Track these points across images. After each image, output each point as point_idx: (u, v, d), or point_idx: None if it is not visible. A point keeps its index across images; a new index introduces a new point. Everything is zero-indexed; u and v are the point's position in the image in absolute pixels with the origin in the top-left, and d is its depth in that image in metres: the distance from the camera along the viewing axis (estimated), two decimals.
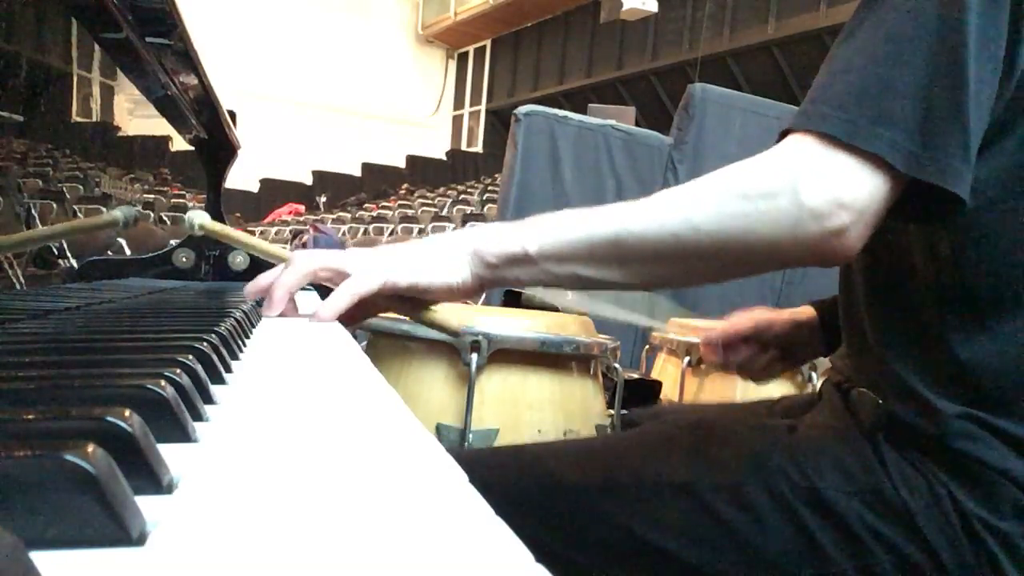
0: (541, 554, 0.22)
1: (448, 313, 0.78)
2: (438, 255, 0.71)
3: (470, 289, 0.72)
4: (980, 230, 0.67)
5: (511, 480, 0.78)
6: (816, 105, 0.64)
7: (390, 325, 1.38)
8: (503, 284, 0.75)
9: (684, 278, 0.74)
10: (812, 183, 0.61)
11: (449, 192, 13.14)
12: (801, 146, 0.63)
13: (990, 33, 0.61)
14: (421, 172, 15.97)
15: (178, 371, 0.37)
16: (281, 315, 0.76)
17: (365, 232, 9.20)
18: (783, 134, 0.66)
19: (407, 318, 0.81)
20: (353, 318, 0.75)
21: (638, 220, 0.66)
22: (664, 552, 0.71)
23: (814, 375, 1.72)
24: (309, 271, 0.74)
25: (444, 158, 16.58)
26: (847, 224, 0.61)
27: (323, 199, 14.04)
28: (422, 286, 0.71)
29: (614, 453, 0.83)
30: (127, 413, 0.26)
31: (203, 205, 1.53)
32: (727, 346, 1.06)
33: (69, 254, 1.20)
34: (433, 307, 0.78)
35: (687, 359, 1.89)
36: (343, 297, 0.70)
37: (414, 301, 0.75)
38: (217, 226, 1.03)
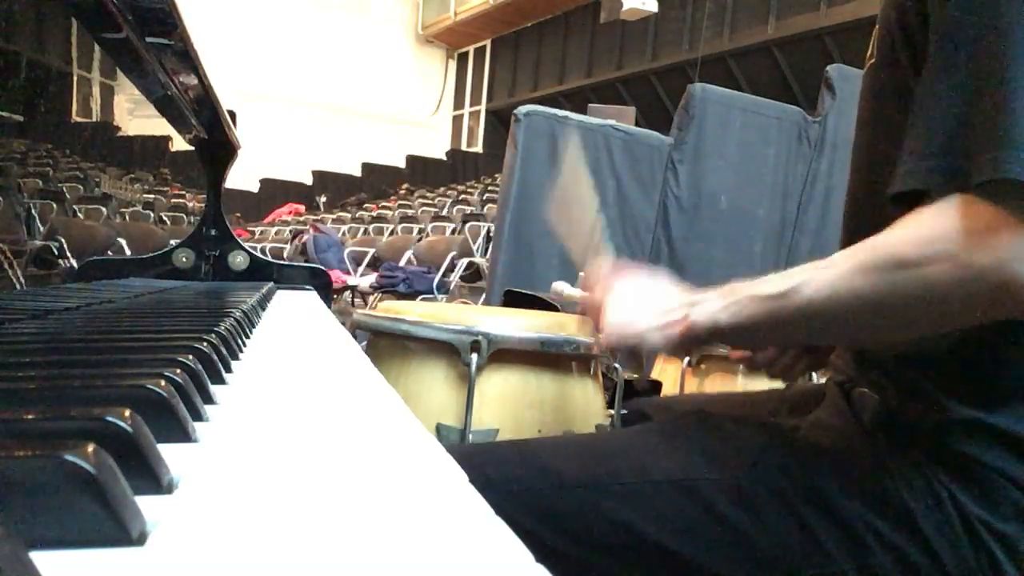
0: (541, 549, 0.22)
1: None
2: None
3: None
4: None
5: (512, 474, 0.78)
6: (940, 159, 0.62)
7: (390, 325, 1.38)
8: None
9: (875, 340, 0.77)
10: (972, 242, 0.59)
11: (449, 192, 13.11)
12: (953, 206, 0.60)
13: None
14: (421, 172, 15.94)
15: (178, 371, 0.37)
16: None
17: (365, 232, 9.19)
18: (899, 195, 0.64)
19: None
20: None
21: (818, 299, 0.66)
22: (664, 549, 0.71)
23: (814, 374, 1.72)
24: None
25: (444, 158, 16.56)
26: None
27: (323, 199, 14.03)
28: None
29: (616, 448, 0.83)
30: (127, 413, 0.26)
31: (203, 205, 1.53)
32: None
33: (69, 254, 1.20)
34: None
35: (687, 359, 1.89)
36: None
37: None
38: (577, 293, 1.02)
